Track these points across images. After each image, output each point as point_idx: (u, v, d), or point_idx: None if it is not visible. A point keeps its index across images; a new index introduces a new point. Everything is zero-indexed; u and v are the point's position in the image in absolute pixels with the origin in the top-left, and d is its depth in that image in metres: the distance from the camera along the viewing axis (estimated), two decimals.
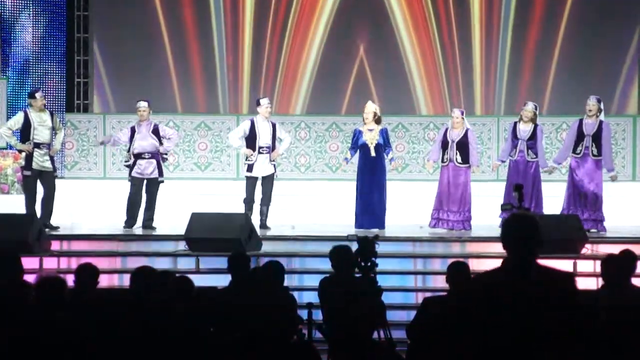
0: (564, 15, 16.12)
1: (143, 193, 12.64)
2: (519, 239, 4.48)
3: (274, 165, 12.76)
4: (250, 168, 12.64)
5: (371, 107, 12.65)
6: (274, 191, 12.76)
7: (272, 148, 12.67)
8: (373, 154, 12.50)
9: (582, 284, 9.41)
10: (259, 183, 12.68)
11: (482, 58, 16.24)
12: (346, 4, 16.26)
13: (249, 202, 12.57)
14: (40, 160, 12.30)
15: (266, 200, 12.61)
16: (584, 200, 12.36)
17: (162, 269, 7.71)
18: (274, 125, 12.78)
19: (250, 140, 12.64)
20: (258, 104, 12.82)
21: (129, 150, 12.66)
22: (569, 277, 4.56)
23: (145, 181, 12.62)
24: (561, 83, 16.07)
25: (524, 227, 4.50)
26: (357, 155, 12.74)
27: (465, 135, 12.58)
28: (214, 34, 16.29)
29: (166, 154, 12.84)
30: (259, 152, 12.61)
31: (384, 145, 12.56)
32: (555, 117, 15.67)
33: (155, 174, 12.63)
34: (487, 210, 12.47)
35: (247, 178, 12.68)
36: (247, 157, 12.67)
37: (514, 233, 4.50)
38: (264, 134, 12.64)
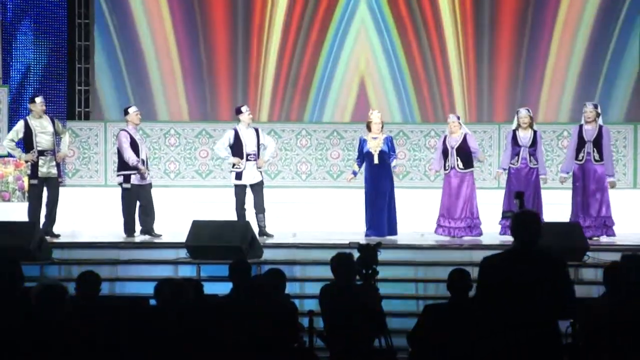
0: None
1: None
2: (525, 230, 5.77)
3: (261, 172, 12.73)
4: (239, 176, 12.59)
5: (379, 117, 12.63)
6: (275, 198, 12.68)
7: (258, 154, 12.67)
8: (376, 161, 12.49)
9: (584, 291, 9.44)
10: (248, 191, 12.65)
11: (485, 66, 16.26)
12: (351, 13, 16.29)
13: (240, 210, 12.53)
14: (46, 168, 12.25)
15: (260, 208, 12.57)
16: (588, 207, 12.33)
17: (167, 276, 7.70)
18: (257, 131, 12.78)
19: (237, 148, 12.59)
20: (239, 111, 12.70)
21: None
22: (561, 260, 5.79)
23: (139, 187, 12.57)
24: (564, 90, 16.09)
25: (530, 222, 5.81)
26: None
27: (465, 140, 12.55)
28: (219, 42, 16.30)
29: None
30: (247, 160, 12.60)
31: (388, 152, 12.56)
32: (555, 125, 15.68)
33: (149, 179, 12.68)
34: (488, 217, 12.46)
35: (236, 186, 12.64)
36: (234, 165, 12.63)
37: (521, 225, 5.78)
38: (249, 141, 12.62)
